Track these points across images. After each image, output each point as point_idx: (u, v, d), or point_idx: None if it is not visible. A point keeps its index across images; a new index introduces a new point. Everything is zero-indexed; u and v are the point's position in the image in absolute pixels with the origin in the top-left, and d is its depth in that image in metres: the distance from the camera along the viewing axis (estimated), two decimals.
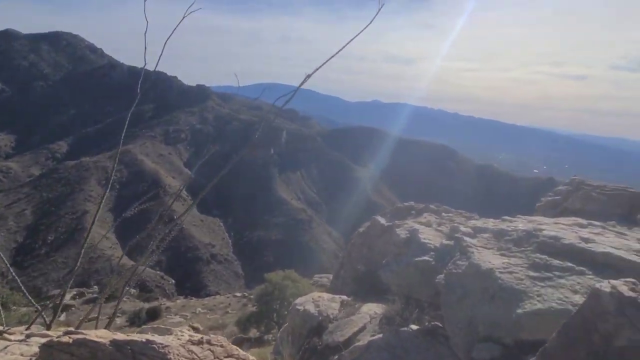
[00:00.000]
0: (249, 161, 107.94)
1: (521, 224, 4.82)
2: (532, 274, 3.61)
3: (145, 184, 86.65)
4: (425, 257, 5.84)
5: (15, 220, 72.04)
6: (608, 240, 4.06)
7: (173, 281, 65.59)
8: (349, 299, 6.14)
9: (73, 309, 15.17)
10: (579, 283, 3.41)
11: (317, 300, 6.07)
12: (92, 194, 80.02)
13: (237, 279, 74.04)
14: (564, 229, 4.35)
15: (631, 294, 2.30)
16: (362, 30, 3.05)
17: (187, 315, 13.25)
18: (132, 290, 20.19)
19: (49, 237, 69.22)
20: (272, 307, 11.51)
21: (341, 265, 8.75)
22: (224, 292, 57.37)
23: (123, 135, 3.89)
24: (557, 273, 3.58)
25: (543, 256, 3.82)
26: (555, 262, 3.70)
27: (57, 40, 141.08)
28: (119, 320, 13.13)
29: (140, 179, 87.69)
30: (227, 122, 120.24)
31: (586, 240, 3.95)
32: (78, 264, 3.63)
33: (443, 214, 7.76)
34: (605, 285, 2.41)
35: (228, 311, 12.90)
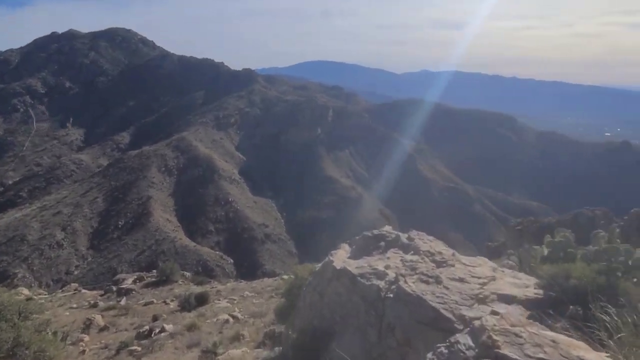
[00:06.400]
0: (297, 142, 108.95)
1: None
2: None
3: (200, 168, 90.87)
4: None
5: (90, 207, 78.98)
6: None
7: (232, 260, 69.03)
8: None
9: (133, 292, 16.24)
10: None
11: None
12: (154, 181, 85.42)
13: (292, 258, 76.28)
14: None
15: None
16: None
17: (235, 299, 13.73)
18: (187, 274, 20.98)
19: (120, 222, 75.28)
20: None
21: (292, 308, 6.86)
22: (280, 269, 59.46)
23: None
24: None
25: None
26: None
27: (113, 37, 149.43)
28: (171, 305, 13.63)
29: (196, 164, 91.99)
30: (274, 104, 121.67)
31: None
32: None
33: (409, 256, 5.20)
34: None
35: (273, 295, 13.15)
